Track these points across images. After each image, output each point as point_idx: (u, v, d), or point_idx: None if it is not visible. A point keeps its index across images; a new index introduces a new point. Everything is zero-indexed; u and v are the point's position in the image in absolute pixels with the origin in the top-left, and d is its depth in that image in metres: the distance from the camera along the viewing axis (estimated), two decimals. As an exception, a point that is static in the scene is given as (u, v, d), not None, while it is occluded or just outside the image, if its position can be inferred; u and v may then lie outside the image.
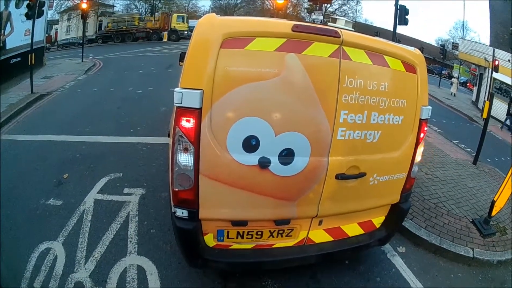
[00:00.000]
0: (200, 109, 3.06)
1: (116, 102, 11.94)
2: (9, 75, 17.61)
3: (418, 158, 4.02)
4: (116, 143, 8.07)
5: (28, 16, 15.17)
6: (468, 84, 35.58)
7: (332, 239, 3.99)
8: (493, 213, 5.89)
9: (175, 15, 51.63)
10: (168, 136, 4.08)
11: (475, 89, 30.81)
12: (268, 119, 3.19)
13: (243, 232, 3.65)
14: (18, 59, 18.60)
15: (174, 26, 49.66)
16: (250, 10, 75.18)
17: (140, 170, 6.65)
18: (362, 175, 3.65)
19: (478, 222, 6.04)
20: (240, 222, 3.56)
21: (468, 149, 11.92)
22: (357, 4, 67.47)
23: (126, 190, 5.88)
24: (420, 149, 4.01)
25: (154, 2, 70.11)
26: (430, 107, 3.95)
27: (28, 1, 15.05)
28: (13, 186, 6.17)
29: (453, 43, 51.15)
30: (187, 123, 3.10)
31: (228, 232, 3.62)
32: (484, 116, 9.81)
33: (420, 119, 3.86)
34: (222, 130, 3.15)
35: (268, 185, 3.36)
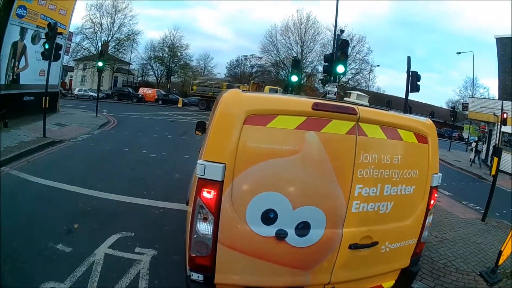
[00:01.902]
0: (222, 182, 3.33)
1: (130, 163, 12.58)
2: (21, 112, 18.57)
3: (429, 224, 4.32)
4: (129, 203, 8.49)
5: (44, 56, 16.23)
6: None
7: None
8: (500, 262, 6.29)
9: (267, 87, 50.45)
10: (187, 204, 4.38)
11: (484, 146, 31.11)
12: (286, 194, 3.48)
13: None
14: (31, 98, 19.65)
15: None
16: (265, 80, 77.44)
17: (152, 232, 6.95)
18: (375, 244, 3.88)
19: (485, 273, 6.46)
20: None
21: (477, 207, 12.76)
22: (369, 73, 70.01)
23: (137, 249, 6.17)
24: (431, 216, 4.33)
25: (170, 65, 73.47)
26: (441, 174, 4.29)
27: (44, 39, 16.14)
28: (21, 225, 6.59)
29: (463, 103, 52.44)
30: (208, 194, 3.37)
31: None
32: (493, 173, 10.48)
33: (431, 186, 4.17)
34: (242, 203, 3.42)
35: (283, 256, 3.60)
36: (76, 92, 56.67)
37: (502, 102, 26.38)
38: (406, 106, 15.94)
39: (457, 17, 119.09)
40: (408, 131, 3.96)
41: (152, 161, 13.32)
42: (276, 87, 50.49)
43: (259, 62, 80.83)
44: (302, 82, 74.21)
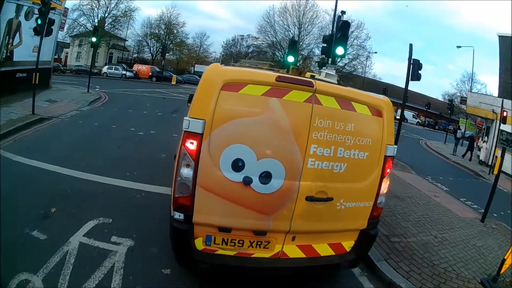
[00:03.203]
0: (202, 134, 4.05)
1: (115, 141, 12.12)
2: (14, 89, 17.97)
3: (384, 190, 4.81)
4: (110, 185, 8.06)
5: (36, 31, 15.58)
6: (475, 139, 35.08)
7: (304, 255, 4.71)
8: (502, 270, 6.10)
9: (308, 75, 43.89)
10: (174, 158, 4.99)
11: (485, 145, 30.41)
12: (252, 147, 4.16)
13: (227, 239, 4.44)
14: (24, 74, 19.03)
15: None
16: (260, 60, 77.12)
17: (131, 219, 6.53)
18: (330, 199, 4.46)
19: (487, 281, 6.20)
20: (225, 229, 4.37)
21: (475, 206, 12.56)
22: (366, 59, 68.98)
23: (114, 239, 5.76)
24: (387, 182, 4.82)
25: (166, 42, 71.74)
26: (396, 146, 4.79)
27: (37, 15, 15.48)
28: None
29: (461, 97, 52.14)
30: (191, 145, 4.08)
31: (215, 238, 4.41)
32: (495, 172, 10.32)
33: (385, 155, 4.70)
34: (217, 152, 4.12)
35: (249, 199, 4.24)
36: (105, 70, 54.83)
37: (503, 100, 25.87)
38: (406, 93, 15.66)
39: (457, 14, 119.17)
40: (362, 105, 4.55)
41: (139, 139, 12.89)
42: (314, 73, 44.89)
43: (255, 42, 79.47)
44: (298, 65, 73.32)
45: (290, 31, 71.29)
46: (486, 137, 30.26)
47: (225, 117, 4.09)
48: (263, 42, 76.02)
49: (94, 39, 28.02)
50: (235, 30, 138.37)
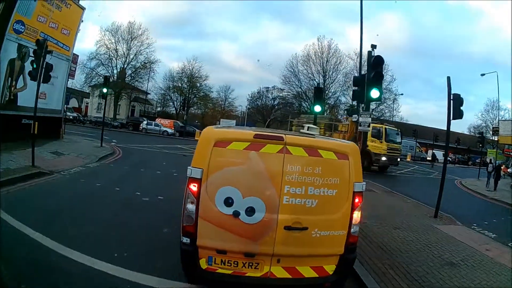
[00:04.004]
0: (201, 179, 5.22)
1: (114, 208, 10.41)
2: (19, 136, 17.02)
3: (356, 220, 5.58)
4: (89, 269, 6.30)
5: (31, 75, 14.51)
6: (502, 168, 32.44)
7: (290, 276, 5.46)
8: None
9: (370, 125, 34.01)
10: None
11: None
12: (239, 188, 5.23)
13: (225, 260, 5.37)
14: (31, 121, 17.98)
15: (367, 145, 28.56)
16: (287, 112, 74.70)
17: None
18: (305, 228, 5.31)
19: None
20: (222, 251, 5.32)
21: None
22: (393, 102, 67.65)
23: None
24: (358, 213, 5.59)
25: (189, 96, 71.68)
26: (364, 183, 5.67)
27: (32, 57, 14.42)
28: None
29: (493, 127, 48.97)
30: (194, 187, 5.25)
31: (215, 258, 5.36)
32: None
33: (354, 191, 5.50)
34: (213, 192, 5.24)
35: (238, 228, 5.24)
36: (144, 125, 54.90)
37: None
38: (448, 134, 14.65)
39: (470, 40, 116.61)
40: (328, 151, 5.45)
41: (142, 207, 11.02)
42: (393, 127, 36.75)
43: (281, 94, 78.93)
44: (325, 114, 72.09)
45: (314, 79, 70.66)
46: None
47: (218, 166, 5.23)
48: (289, 93, 75.64)
49: (104, 90, 27.38)
50: (259, 81, 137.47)
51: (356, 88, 11.46)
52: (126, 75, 65.89)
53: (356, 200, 5.55)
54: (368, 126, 11.30)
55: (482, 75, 44.37)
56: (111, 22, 66.76)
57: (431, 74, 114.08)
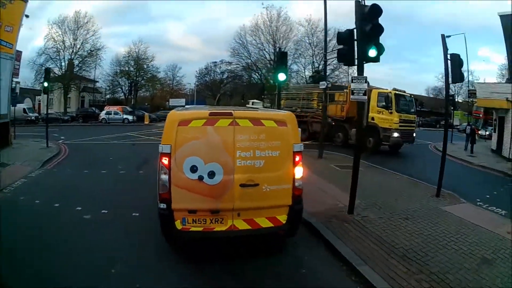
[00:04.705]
0: (170, 153, 6.28)
1: (45, 237, 7.78)
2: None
3: (298, 175, 6.73)
4: None
5: None
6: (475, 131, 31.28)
7: (250, 227, 6.56)
8: None
9: (375, 92, 24.84)
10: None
11: (494, 135, 28.24)
12: (201, 157, 6.35)
13: (195, 218, 6.44)
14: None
15: (373, 118, 24.06)
16: (237, 85, 73.88)
17: None
18: (256, 185, 6.46)
19: None
20: (192, 211, 6.41)
21: None
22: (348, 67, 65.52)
23: None
24: (299, 169, 6.73)
25: (137, 79, 68.60)
26: (302, 144, 6.92)
27: None
28: None
29: (469, 90, 47.48)
30: (165, 160, 6.29)
31: (187, 219, 6.42)
32: None
33: (294, 151, 6.70)
34: (180, 163, 6.32)
35: (203, 190, 6.35)
36: (103, 116, 51.40)
37: None
38: (448, 99, 14.55)
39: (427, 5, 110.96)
40: (269, 120, 6.68)
41: (82, 229, 8.36)
42: (399, 91, 26.18)
43: (229, 67, 74.38)
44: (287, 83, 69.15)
45: (264, 49, 67.00)
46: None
47: (183, 141, 6.34)
48: (238, 66, 71.23)
49: (45, 84, 23.91)
50: (208, 58, 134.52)
51: (342, 46, 9.28)
52: (74, 66, 62.08)
53: (297, 158, 6.70)
54: (364, 94, 8.99)
55: (448, 36, 42.44)
56: (58, 15, 60.83)
57: (383, 36, 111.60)
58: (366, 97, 9.28)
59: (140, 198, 10.54)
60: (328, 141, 24.52)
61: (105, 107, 57.85)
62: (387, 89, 25.59)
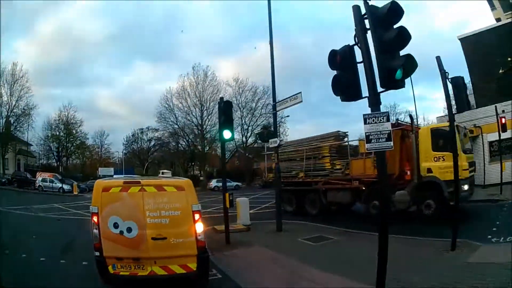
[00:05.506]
0: (98, 212, 7.60)
1: None
2: None
3: (199, 230, 7.90)
4: None
5: None
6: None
7: (166, 273, 7.70)
8: None
9: (426, 130, 17.40)
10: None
11: None
12: (120, 216, 7.62)
13: (122, 265, 7.63)
14: None
15: (429, 169, 15.94)
16: (165, 153, 72.76)
17: None
18: (164, 238, 7.64)
19: None
20: (119, 258, 7.61)
21: None
22: (279, 126, 63.26)
23: None
24: (200, 225, 7.92)
25: (67, 145, 67.36)
26: (199, 204, 8.19)
27: None
28: None
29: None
30: (95, 218, 7.60)
31: (116, 265, 7.61)
32: None
33: (193, 210, 7.90)
34: (105, 220, 7.58)
35: (125, 241, 7.59)
36: (39, 183, 47.84)
37: (496, 106, 22.17)
38: (453, 129, 10.66)
39: None
40: (170, 186, 8.12)
41: None
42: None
43: (156, 134, 72.40)
44: (206, 150, 67.45)
45: (191, 113, 65.10)
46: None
47: (106, 203, 7.70)
48: (165, 132, 69.09)
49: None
50: (135, 126, 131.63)
51: (338, 71, 6.89)
52: (11, 124, 58.80)
53: (196, 216, 7.92)
54: (388, 139, 6.13)
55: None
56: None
57: (307, 94, 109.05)
58: (391, 144, 6.39)
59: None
60: (346, 214, 19.66)
61: (38, 173, 53.43)
62: (444, 123, 17.68)
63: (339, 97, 6.94)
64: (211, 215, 21.07)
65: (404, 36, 6.08)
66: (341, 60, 6.78)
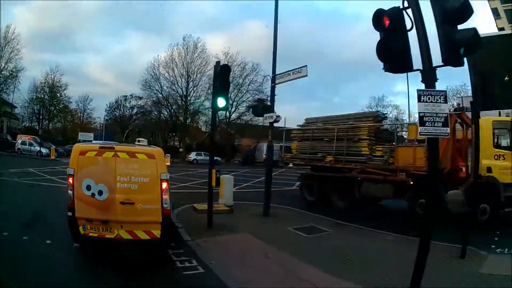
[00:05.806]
0: (73, 174, 8.03)
1: None
2: None
3: (166, 198, 8.22)
4: None
5: None
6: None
7: (131, 237, 8.10)
8: None
9: (488, 121, 13.65)
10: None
11: None
12: (93, 179, 8.02)
13: (92, 226, 8.09)
14: None
15: (489, 168, 13.00)
16: (146, 121, 70.65)
17: None
18: (132, 203, 8.00)
19: None
20: (89, 220, 8.06)
21: None
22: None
23: None
24: (166, 193, 8.23)
25: (51, 108, 66.99)
26: (168, 173, 8.43)
27: None
28: None
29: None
30: (70, 180, 8.07)
31: (86, 226, 8.08)
32: None
33: (161, 179, 8.20)
34: (80, 182, 7.99)
35: (95, 204, 8.00)
36: (18, 145, 47.53)
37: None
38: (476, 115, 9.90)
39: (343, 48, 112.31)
40: (141, 154, 8.42)
41: None
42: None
43: (139, 102, 70.47)
44: (188, 122, 66.56)
45: (177, 83, 63.74)
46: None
47: (82, 166, 8.09)
48: (148, 100, 67.31)
49: None
50: (120, 93, 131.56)
51: (385, 34, 5.96)
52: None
53: (164, 185, 8.22)
54: (445, 124, 5.17)
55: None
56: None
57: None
58: (447, 131, 5.48)
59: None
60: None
61: (18, 136, 52.31)
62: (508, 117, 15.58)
63: (383, 65, 5.97)
64: (189, 191, 20.20)
65: (469, 7, 5.37)
66: (390, 22, 5.78)
